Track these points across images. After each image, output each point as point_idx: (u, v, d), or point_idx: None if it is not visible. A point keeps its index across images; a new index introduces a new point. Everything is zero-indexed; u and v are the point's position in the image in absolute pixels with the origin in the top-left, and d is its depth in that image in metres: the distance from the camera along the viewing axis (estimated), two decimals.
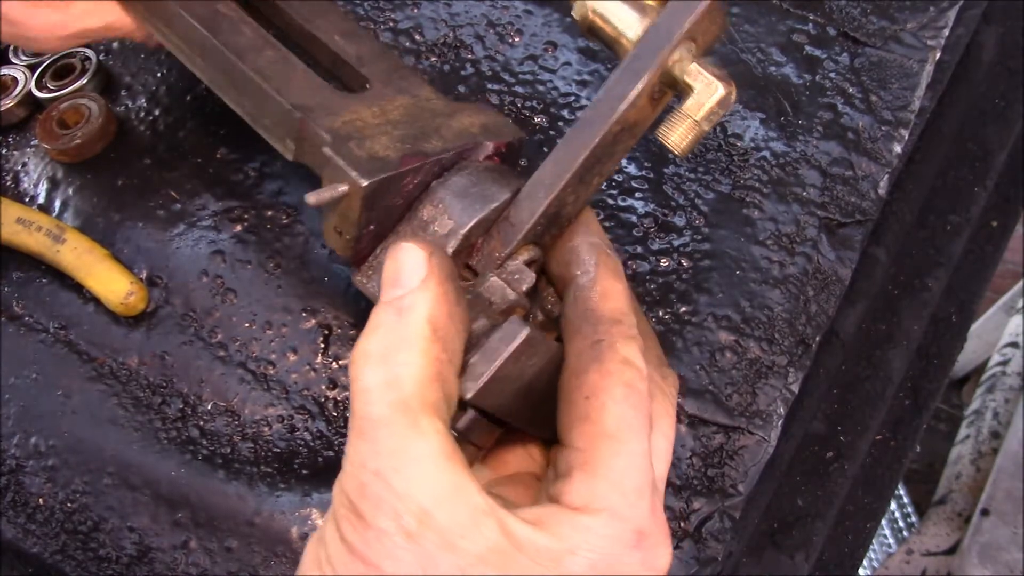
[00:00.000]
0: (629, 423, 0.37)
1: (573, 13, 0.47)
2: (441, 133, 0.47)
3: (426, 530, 0.33)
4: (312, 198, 0.42)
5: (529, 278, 0.42)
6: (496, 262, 0.43)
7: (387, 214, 0.45)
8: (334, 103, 0.48)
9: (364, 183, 0.42)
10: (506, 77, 0.63)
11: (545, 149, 0.60)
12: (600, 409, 0.37)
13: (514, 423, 0.41)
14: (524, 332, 0.39)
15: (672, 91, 0.44)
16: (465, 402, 0.38)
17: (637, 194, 0.58)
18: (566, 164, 0.42)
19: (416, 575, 0.33)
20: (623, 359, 0.38)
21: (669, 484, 0.50)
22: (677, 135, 0.43)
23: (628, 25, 0.44)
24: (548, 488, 0.37)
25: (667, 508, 0.49)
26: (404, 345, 0.36)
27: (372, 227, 0.44)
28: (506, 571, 0.33)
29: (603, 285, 0.41)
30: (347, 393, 0.54)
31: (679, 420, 0.51)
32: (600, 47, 0.63)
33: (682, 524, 0.49)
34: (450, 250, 0.43)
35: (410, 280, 0.37)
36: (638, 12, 0.44)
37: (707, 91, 0.42)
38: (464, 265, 0.44)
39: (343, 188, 0.43)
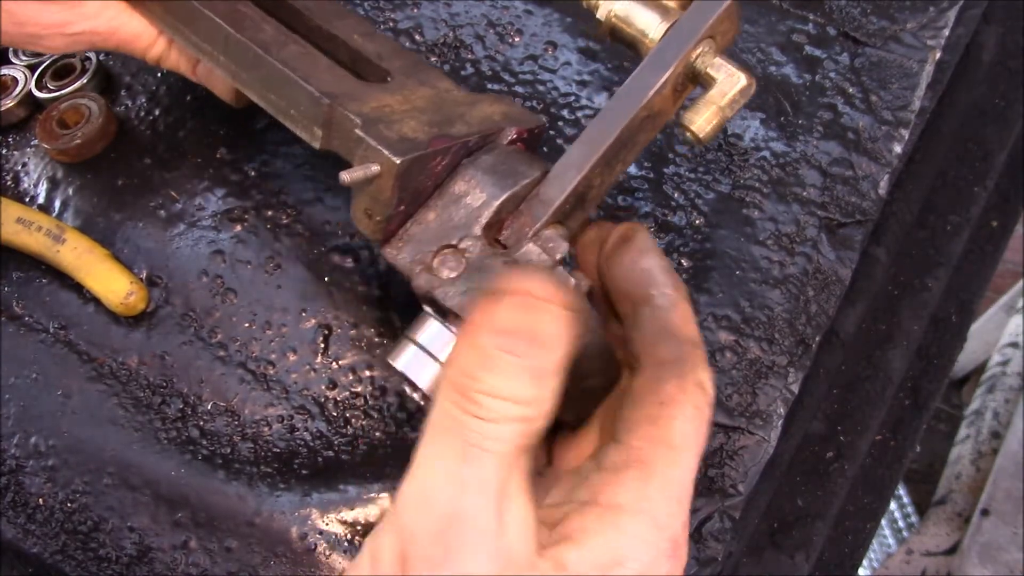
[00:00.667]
0: (691, 441, 0.38)
1: (597, 15, 0.49)
2: (465, 119, 0.48)
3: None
4: (346, 176, 0.43)
5: (563, 247, 0.43)
6: (526, 237, 0.44)
7: (416, 195, 0.45)
8: (360, 92, 0.48)
9: (398, 160, 0.43)
10: (506, 77, 0.63)
11: (545, 149, 0.60)
12: (670, 419, 0.38)
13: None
14: (572, 281, 0.41)
15: (694, 84, 0.48)
16: None
17: (637, 194, 0.58)
18: (595, 145, 0.45)
19: None
20: (700, 382, 0.39)
21: None
22: (702, 119, 0.45)
23: (650, 25, 0.48)
24: (587, 477, 0.38)
25: None
26: (541, 414, 0.34)
27: (403, 207, 0.45)
28: None
29: (683, 308, 0.42)
30: (347, 393, 0.54)
31: None
32: (600, 47, 0.63)
33: None
34: (484, 221, 0.44)
35: (554, 345, 0.33)
36: (659, 13, 0.48)
37: (730, 81, 0.46)
38: (494, 240, 0.44)
39: (376, 167, 0.43)
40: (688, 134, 0.45)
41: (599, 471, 0.37)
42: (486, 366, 0.32)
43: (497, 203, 0.44)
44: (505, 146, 0.47)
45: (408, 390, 0.48)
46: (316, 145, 0.47)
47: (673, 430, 0.38)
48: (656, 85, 0.45)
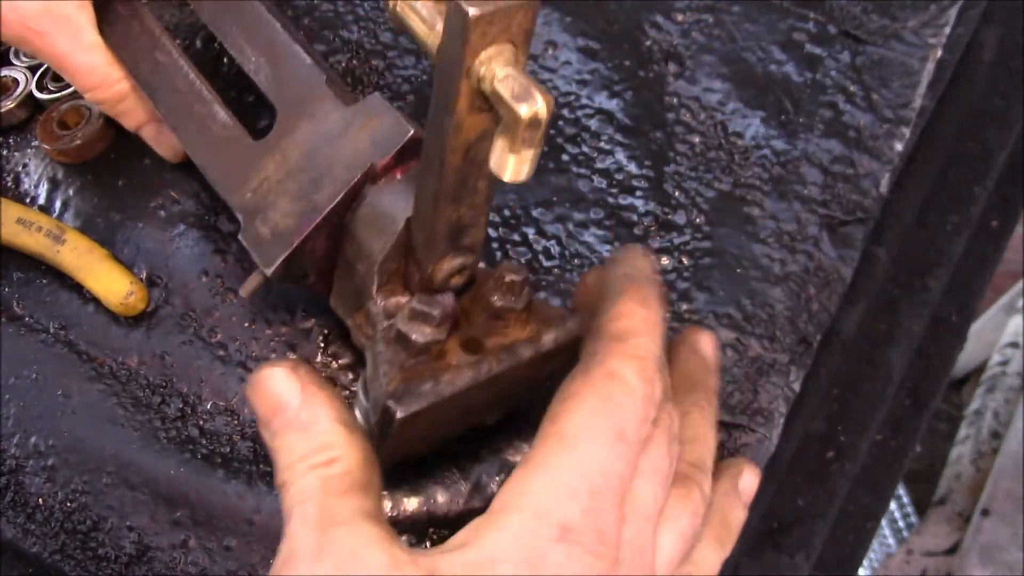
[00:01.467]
0: (591, 430, 0.35)
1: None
2: (333, 172, 0.46)
3: None
4: (243, 291, 0.46)
5: (437, 308, 0.40)
6: (421, 285, 0.43)
7: (323, 264, 0.46)
8: (245, 161, 0.49)
9: (269, 271, 0.45)
10: None
11: (545, 148, 0.60)
12: (566, 413, 0.35)
13: (447, 436, 0.44)
14: (397, 417, 0.38)
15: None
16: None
17: (637, 192, 0.58)
18: (429, 195, 0.39)
19: None
20: (609, 372, 0.36)
21: None
22: (495, 160, 0.34)
23: (431, 26, 0.36)
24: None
25: None
26: (331, 450, 0.36)
27: (314, 280, 0.46)
28: None
29: (622, 307, 0.39)
30: (346, 392, 0.54)
31: None
32: (600, 47, 0.63)
33: None
34: (373, 289, 0.43)
35: (291, 398, 0.37)
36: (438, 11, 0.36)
37: (511, 114, 0.32)
38: (400, 289, 0.44)
39: (258, 276, 0.46)
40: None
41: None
42: (269, 436, 0.38)
43: (376, 270, 0.43)
44: (380, 186, 0.45)
45: None
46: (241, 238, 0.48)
47: (567, 422, 0.35)
48: (449, 135, 0.35)
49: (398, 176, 0.45)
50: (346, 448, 0.36)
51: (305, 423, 0.36)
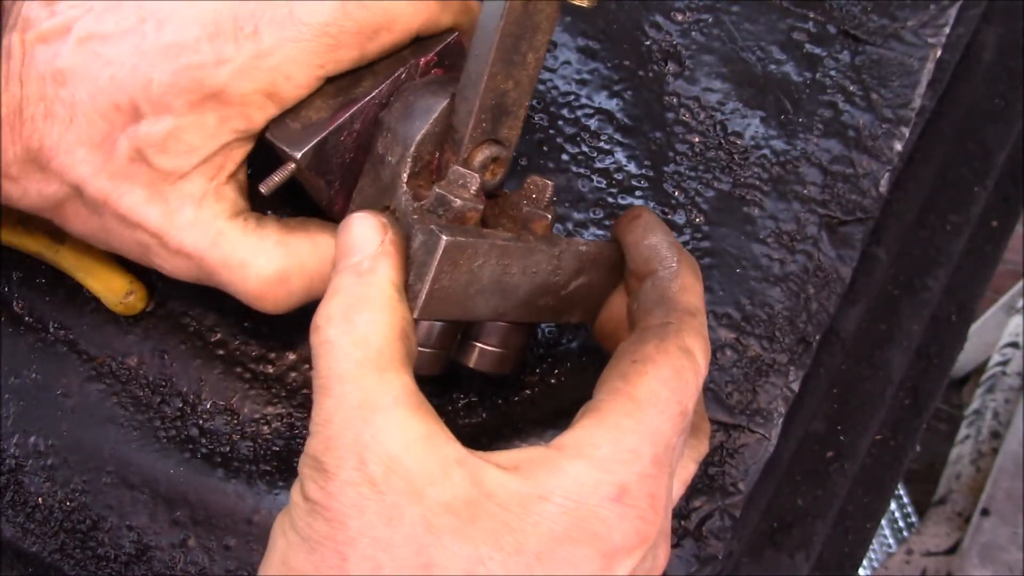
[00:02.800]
0: (660, 400, 0.36)
1: None
2: (374, 70, 0.46)
3: (393, 478, 0.33)
4: (263, 188, 0.44)
5: (473, 181, 0.41)
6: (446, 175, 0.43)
7: (347, 169, 0.45)
8: None
9: (298, 155, 0.43)
10: None
11: (545, 148, 0.60)
12: (639, 375, 0.37)
13: (492, 319, 0.42)
14: (442, 241, 0.38)
15: None
16: (417, 320, 0.39)
17: (637, 192, 0.58)
18: (483, 53, 0.41)
19: (379, 527, 0.32)
20: (685, 347, 0.38)
21: None
22: None
23: None
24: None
25: None
26: (368, 305, 0.36)
27: (336, 185, 0.45)
28: (472, 520, 0.33)
29: (685, 280, 0.41)
30: None
31: None
32: (600, 46, 0.63)
33: (682, 522, 0.49)
34: (405, 176, 0.43)
35: (366, 246, 0.38)
36: None
37: None
38: (430, 183, 0.44)
39: (291, 166, 0.43)
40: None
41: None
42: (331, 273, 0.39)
43: (411, 154, 0.43)
44: (419, 81, 0.46)
45: None
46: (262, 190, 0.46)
47: (640, 385, 0.36)
48: None
49: (438, 73, 0.47)
50: (392, 312, 0.37)
51: (365, 270, 0.37)
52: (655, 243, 0.43)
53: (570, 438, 0.35)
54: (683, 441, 0.38)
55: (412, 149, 0.43)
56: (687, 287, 0.41)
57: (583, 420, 0.36)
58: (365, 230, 0.38)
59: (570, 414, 0.51)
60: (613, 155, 0.60)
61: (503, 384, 0.53)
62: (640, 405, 0.36)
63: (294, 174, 0.44)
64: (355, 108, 0.44)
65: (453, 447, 0.34)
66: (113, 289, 0.56)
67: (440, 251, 0.38)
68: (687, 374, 0.37)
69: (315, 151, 0.44)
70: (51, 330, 0.57)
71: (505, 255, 0.41)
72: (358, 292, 0.37)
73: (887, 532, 1.62)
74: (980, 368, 1.69)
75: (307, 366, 0.55)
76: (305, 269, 0.46)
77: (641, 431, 0.35)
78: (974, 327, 1.66)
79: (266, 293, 0.45)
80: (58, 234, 0.57)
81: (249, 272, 0.45)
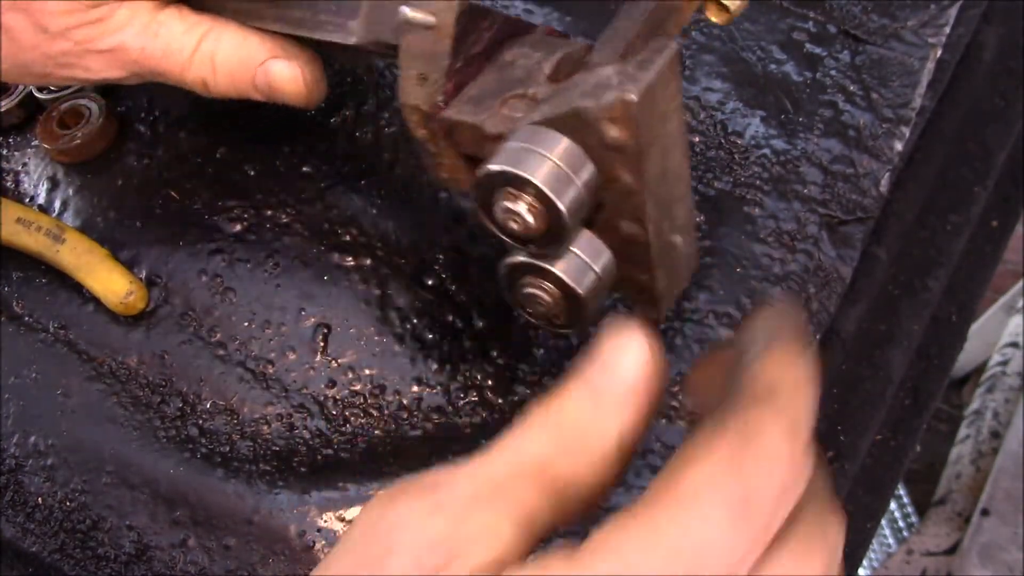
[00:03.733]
0: (711, 489, 0.27)
1: None
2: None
3: None
4: (408, 9, 0.41)
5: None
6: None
7: (466, 61, 0.43)
8: None
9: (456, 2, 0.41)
10: None
11: None
12: (684, 469, 0.27)
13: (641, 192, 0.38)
14: (674, 44, 0.36)
15: None
16: (625, 114, 0.35)
17: None
18: None
19: None
20: (745, 426, 0.28)
21: None
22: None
23: None
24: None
25: None
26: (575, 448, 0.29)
27: (458, 65, 0.42)
28: None
29: (762, 364, 0.30)
30: (346, 391, 0.54)
31: (679, 417, 0.51)
32: None
33: None
34: (547, 71, 0.42)
35: (624, 376, 0.29)
36: None
37: None
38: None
39: (431, 19, 0.41)
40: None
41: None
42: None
43: (556, 56, 0.42)
44: (542, 30, 0.45)
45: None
46: (352, 40, 0.45)
47: (682, 479, 0.27)
48: None
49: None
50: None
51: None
52: (743, 342, 0.31)
53: (595, 542, 0.27)
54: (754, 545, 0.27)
55: (557, 55, 0.42)
56: (765, 370, 0.29)
57: (614, 520, 0.27)
58: (631, 358, 0.29)
59: None
60: None
61: (506, 387, 0.53)
62: (683, 500, 0.27)
63: (431, 26, 0.41)
64: (497, 13, 0.44)
65: None
66: (113, 289, 0.56)
67: (670, 50, 0.36)
68: (751, 460, 0.27)
69: (465, 8, 0.42)
70: (51, 330, 0.57)
71: (683, 141, 0.39)
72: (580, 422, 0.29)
73: (887, 532, 1.62)
74: (980, 368, 1.69)
75: (306, 366, 0.55)
76: (230, 59, 0.48)
77: (682, 529, 0.26)
78: (974, 327, 1.66)
79: (206, 76, 0.48)
80: (58, 234, 0.57)
81: (187, 56, 0.47)
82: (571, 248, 0.39)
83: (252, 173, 0.61)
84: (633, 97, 0.34)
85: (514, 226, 0.37)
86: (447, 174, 0.44)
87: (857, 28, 0.63)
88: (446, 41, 0.41)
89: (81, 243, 0.57)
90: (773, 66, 0.62)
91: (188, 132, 0.63)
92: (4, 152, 0.64)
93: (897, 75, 0.61)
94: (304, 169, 0.60)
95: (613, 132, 0.36)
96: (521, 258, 0.39)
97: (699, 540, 0.26)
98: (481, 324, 0.55)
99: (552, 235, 0.37)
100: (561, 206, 0.36)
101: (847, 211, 0.57)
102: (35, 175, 0.63)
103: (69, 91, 0.64)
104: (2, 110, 0.64)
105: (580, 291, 0.39)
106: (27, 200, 0.62)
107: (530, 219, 0.36)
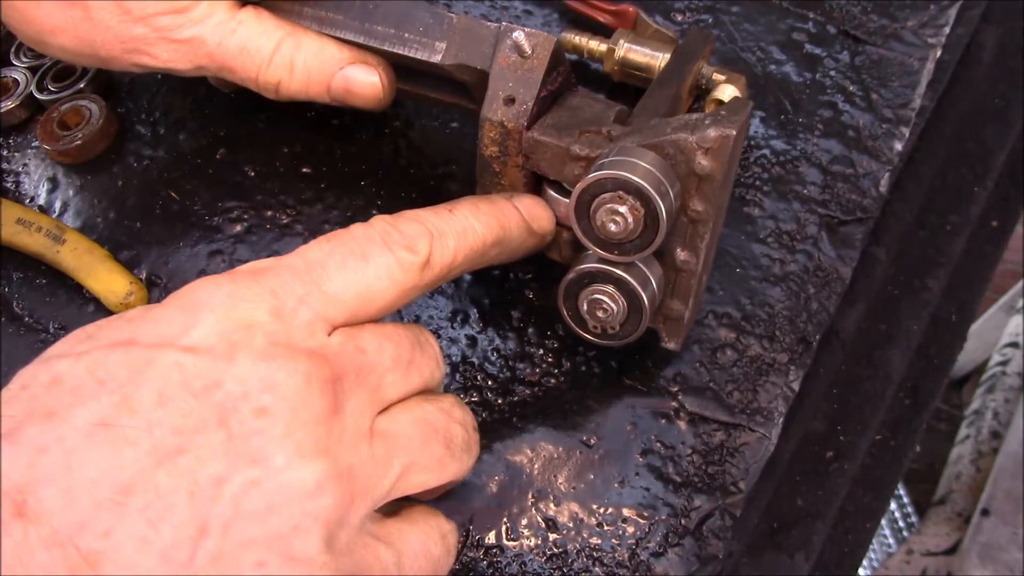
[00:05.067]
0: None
1: (605, 67, 0.60)
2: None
3: None
4: (520, 35, 0.47)
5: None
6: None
7: (546, 96, 0.49)
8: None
9: (555, 37, 0.48)
10: None
11: None
12: None
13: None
14: (750, 103, 0.44)
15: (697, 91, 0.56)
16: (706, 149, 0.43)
17: None
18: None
19: None
20: None
21: (670, 481, 0.50)
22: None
23: (656, 53, 0.59)
24: None
25: (668, 505, 0.49)
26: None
27: (542, 95, 0.48)
28: None
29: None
30: None
31: (679, 417, 0.51)
32: None
33: (683, 521, 0.49)
34: (611, 118, 0.49)
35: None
36: (661, 44, 0.59)
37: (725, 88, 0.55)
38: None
39: (543, 36, 0.47)
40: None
41: None
42: None
43: (615, 108, 0.49)
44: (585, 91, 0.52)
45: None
46: (436, 59, 0.49)
47: None
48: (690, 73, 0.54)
49: None
50: None
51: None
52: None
53: None
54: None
55: (616, 108, 0.50)
56: None
57: None
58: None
59: (570, 414, 0.51)
60: None
61: (506, 387, 0.53)
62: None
63: (528, 56, 0.48)
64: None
65: None
66: (113, 290, 0.56)
67: (749, 108, 0.45)
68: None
69: (558, 45, 0.48)
70: (51, 330, 0.57)
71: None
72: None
73: (887, 532, 1.62)
74: (980, 368, 1.69)
75: None
76: (308, 64, 0.51)
77: None
78: (974, 327, 1.66)
79: (282, 78, 0.51)
80: (58, 234, 0.57)
81: (265, 57, 0.50)
82: (637, 263, 0.45)
83: (252, 174, 0.61)
84: (733, 132, 0.42)
85: (613, 228, 0.43)
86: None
87: (857, 28, 0.63)
88: (540, 70, 0.47)
89: (81, 243, 0.57)
90: (773, 67, 0.63)
91: (188, 133, 0.63)
92: (4, 153, 0.64)
93: (897, 75, 0.61)
94: (304, 169, 0.60)
95: (704, 162, 0.42)
96: (595, 265, 0.45)
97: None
98: (481, 324, 0.55)
99: (646, 238, 0.43)
100: (662, 210, 0.42)
101: (847, 211, 0.57)
102: (35, 176, 0.63)
103: (69, 92, 0.64)
104: (3, 111, 0.64)
105: (644, 297, 0.45)
106: (27, 201, 0.62)
107: (630, 220, 0.42)
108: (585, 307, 0.47)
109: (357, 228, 0.41)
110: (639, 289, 0.45)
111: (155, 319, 0.37)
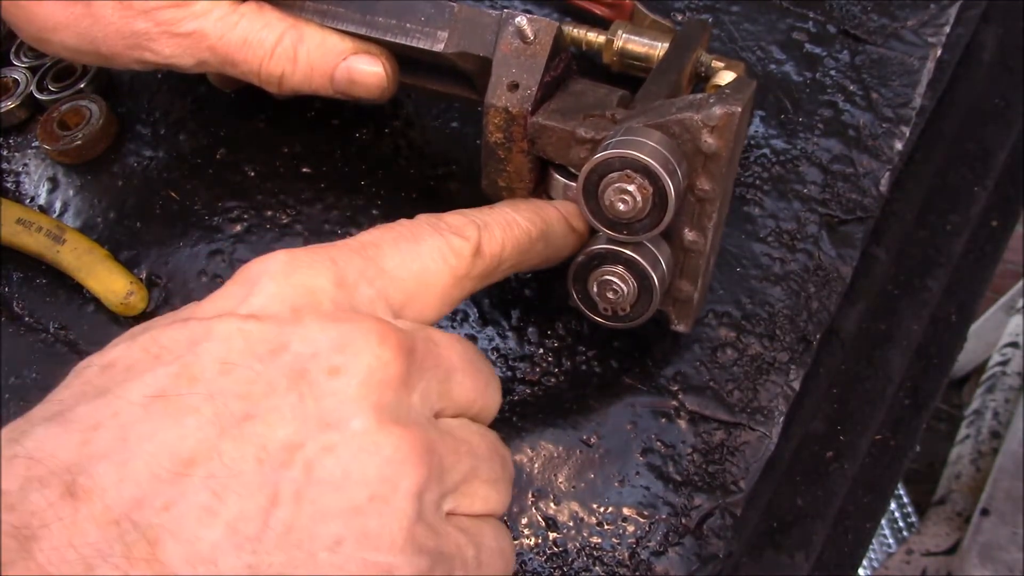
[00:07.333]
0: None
1: (604, 57, 0.60)
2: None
3: None
4: (523, 20, 0.47)
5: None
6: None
7: (549, 81, 0.49)
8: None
9: (558, 24, 0.48)
10: None
11: None
12: None
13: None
14: (754, 82, 0.44)
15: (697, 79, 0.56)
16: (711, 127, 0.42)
17: None
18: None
19: None
20: None
21: (670, 480, 0.50)
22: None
23: (654, 42, 0.58)
24: None
25: (668, 504, 0.49)
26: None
27: (545, 81, 0.48)
28: None
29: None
30: None
31: (679, 416, 0.51)
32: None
33: (683, 520, 0.49)
34: (615, 103, 0.49)
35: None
36: (658, 34, 0.59)
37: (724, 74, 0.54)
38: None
39: (545, 22, 0.48)
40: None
41: None
42: None
43: (617, 93, 0.49)
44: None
45: None
46: (439, 48, 0.50)
47: None
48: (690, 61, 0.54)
49: None
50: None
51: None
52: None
53: None
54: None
55: (618, 93, 0.49)
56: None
57: None
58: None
59: (570, 413, 0.51)
60: None
61: (506, 387, 0.53)
62: None
63: (530, 41, 0.48)
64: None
65: None
66: (113, 289, 0.56)
67: (753, 86, 0.44)
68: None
69: (560, 31, 0.48)
70: (51, 330, 0.57)
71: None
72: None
73: (887, 532, 1.62)
74: (980, 368, 1.69)
75: None
76: (311, 55, 0.50)
77: None
78: (974, 327, 1.66)
79: (285, 70, 0.51)
80: (58, 234, 0.57)
81: (267, 49, 0.50)
82: (646, 244, 0.45)
83: (252, 174, 0.61)
84: (738, 109, 0.41)
85: (622, 207, 0.43)
86: (506, 181, 0.50)
87: (857, 28, 0.63)
88: (543, 55, 0.47)
89: (81, 243, 0.57)
90: (773, 66, 0.63)
91: (188, 133, 0.63)
92: (5, 153, 0.64)
93: (897, 75, 0.61)
94: (304, 169, 0.61)
95: (710, 140, 0.42)
96: (605, 245, 0.45)
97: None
98: (480, 323, 0.55)
99: (655, 217, 0.43)
100: (671, 187, 0.42)
101: (847, 211, 0.57)
102: (35, 176, 0.63)
103: (69, 92, 0.64)
104: (3, 111, 0.64)
105: (655, 277, 0.45)
106: (27, 201, 0.62)
107: (639, 199, 0.42)
108: (595, 289, 0.47)
109: (402, 220, 0.40)
110: (649, 269, 0.45)
111: (212, 298, 0.36)
